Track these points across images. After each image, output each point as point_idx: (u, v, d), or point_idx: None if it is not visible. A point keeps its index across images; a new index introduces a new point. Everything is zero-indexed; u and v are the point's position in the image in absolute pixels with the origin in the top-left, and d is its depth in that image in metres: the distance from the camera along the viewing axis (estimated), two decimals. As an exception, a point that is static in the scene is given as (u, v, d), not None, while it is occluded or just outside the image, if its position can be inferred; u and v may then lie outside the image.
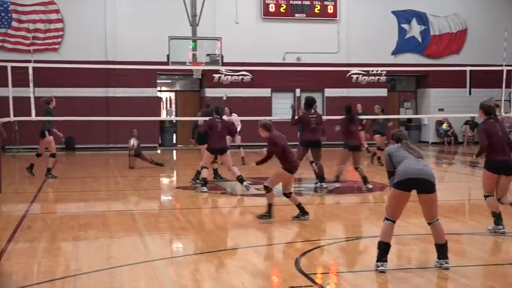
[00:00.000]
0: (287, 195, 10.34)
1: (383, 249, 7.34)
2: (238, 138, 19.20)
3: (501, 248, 8.78)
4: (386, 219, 7.39)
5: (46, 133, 16.13)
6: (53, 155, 16.41)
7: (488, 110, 9.21)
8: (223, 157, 13.95)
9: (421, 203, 7.49)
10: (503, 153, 9.00)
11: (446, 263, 7.31)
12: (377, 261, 7.32)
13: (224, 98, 18.51)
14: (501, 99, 17.73)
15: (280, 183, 10.40)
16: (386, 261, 7.30)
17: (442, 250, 7.38)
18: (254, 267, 7.61)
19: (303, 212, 10.24)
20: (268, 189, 10.20)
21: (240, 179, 13.54)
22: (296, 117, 14.37)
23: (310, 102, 14.39)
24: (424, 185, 7.31)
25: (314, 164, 14.52)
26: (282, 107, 27.07)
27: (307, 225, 9.73)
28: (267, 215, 10.13)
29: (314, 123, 14.13)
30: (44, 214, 11.32)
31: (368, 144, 23.38)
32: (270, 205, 10.15)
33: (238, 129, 18.60)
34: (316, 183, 14.45)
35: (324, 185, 14.23)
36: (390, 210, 7.42)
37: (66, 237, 9.31)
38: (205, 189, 13.63)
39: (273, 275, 7.48)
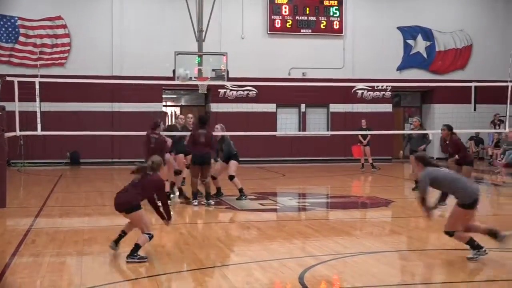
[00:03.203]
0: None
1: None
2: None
3: (504, 264, 8.75)
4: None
5: None
6: None
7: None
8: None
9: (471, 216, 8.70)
10: None
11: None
12: None
13: None
14: (506, 115, 17.71)
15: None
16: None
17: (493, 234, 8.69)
18: (258, 282, 7.61)
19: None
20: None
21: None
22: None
23: (201, 120, 14.51)
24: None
25: (201, 181, 14.27)
26: (287, 122, 27.15)
27: (312, 240, 9.73)
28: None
29: (202, 140, 13.93)
30: (49, 228, 11.34)
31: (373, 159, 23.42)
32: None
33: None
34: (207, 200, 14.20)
35: (212, 202, 14.09)
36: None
37: (70, 251, 9.33)
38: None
39: (276, 290, 7.48)
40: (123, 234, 9.19)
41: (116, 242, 9.13)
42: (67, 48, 26.58)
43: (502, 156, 25.54)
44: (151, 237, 8.79)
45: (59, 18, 26.52)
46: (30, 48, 26.26)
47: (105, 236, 10.51)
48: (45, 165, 25.21)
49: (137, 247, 8.60)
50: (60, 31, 26.57)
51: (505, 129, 20.40)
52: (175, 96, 32.72)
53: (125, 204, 8.85)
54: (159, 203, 9.25)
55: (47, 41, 26.49)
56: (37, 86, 15.30)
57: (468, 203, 8.51)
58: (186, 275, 8.10)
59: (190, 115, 16.27)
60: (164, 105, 29.39)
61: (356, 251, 9.46)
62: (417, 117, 18.60)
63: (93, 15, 26.82)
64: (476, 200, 8.47)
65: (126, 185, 9.07)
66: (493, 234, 8.90)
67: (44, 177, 21.12)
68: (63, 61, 26.50)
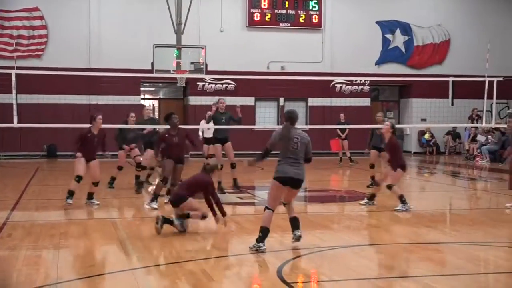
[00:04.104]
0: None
1: None
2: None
3: (480, 257, 8.83)
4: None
5: None
6: None
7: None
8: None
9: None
10: None
11: (299, 232, 9.08)
12: None
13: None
14: (483, 110, 17.87)
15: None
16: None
17: (297, 223, 9.14)
18: (236, 276, 7.61)
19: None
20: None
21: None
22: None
23: (165, 118, 13.29)
24: None
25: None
26: (266, 116, 27.16)
27: (290, 233, 9.72)
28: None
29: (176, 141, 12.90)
30: (25, 221, 11.23)
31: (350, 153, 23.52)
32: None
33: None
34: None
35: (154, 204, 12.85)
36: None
37: (47, 245, 9.25)
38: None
39: (254, 283, 7.48)
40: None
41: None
42: (44, 39, 26.33)
43: (478, 150, 25.75)
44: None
45: (36, 9, 26.25)
46: (6, 39, 25.98)
47: (81, 230, 10.45)
48: (22, 158, 24.99)
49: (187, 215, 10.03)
50: (37, 23, 26.31)
51: (482, 124, 20.55)
52: (153, 89, 32.55)
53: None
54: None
55: (23, 32, 26.21)
56: (13, 78, 15.15)
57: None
58: (164, 269, 8.07)
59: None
60: (142, 98, 29.24)
61: (334, 244, 9.49)
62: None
63: (71, 7, 26.57)
64: None
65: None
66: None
67: (20, 170, 20.94)
68: (40, 53, 26.25)
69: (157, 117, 15.79)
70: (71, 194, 12.67)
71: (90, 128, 12.88)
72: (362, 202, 13.28)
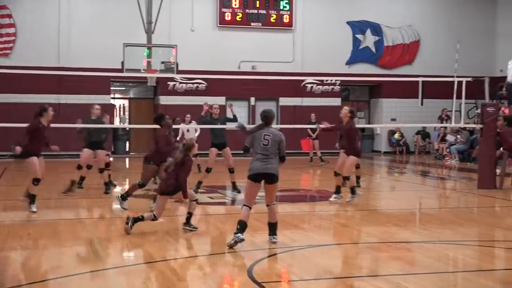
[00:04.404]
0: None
1: None
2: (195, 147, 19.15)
3: (450, 256, 8.91)
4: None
5: None
6: None
7: None
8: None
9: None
10: None
11: (275, 238, 9.17)
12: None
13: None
14: (452, 110, 18.01)
15: None
16: None
17: (273, 228, 9.23)
18: (207, 276, 7.58)
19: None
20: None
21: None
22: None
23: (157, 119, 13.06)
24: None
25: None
26: (237, 116, 27.08)
27: (260, 233, 9.72)
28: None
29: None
30: (-7, 222, 11.08)
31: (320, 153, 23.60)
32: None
33: (196, 136, 18.75)
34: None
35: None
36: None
37: (15, 246, 9.13)
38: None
39: (226, 283, 7.46)
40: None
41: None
42: (13, 38, 25.99)
43: (447, 150, 25.98)
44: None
45: (4, 7, 25.90)
46: (-27, 37, 25.64)
47: (50, 230, 10.34)
48: (-11, 157, 24.65)
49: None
50: (5, 21, 25.95)
51: (451, 124, 20.74)
52: (123, 88, 32.39)
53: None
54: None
55: (-9, 30, 25.89)
56: (-20, 77, 14.94)
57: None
58: (134, 269, 8.01)
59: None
60: (112, 98, 29.03)
61: (304, 244, 9.50)
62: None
63: (40, 5, 26.27)
64: None
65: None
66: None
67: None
68: (8, 51, 25.91)
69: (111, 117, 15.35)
70: (33, 200, 11.98)
71: (41, 120, 12.18)
72: (331, 199, 13.41)
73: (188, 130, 19.26)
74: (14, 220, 11.51)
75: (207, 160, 15.38)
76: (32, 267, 7.92)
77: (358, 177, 16.32)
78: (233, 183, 15.14)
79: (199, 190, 14.80)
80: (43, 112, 12.23)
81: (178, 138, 19.16)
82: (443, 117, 27.70)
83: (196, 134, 19.23)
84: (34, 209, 11.92)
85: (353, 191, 13.21)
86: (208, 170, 15.08)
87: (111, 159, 15.88)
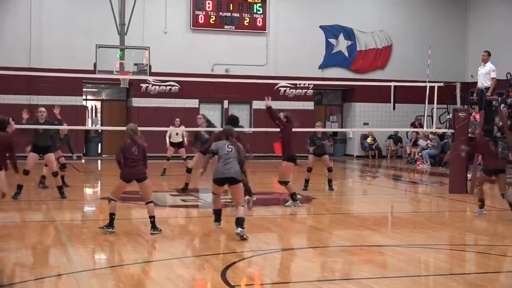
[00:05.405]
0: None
1: None
2: (182, 151, 19.81)
3: (421, 260, 8.97)
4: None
5: None
6: None
7: None
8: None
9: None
10: None
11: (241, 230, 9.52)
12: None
13: None
14: (424, 115, 18.18)
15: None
16: None
17: (241, 222, 9.60)
18: (180, 279, 7.54)
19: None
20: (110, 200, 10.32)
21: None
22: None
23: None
24: None
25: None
26: (210, 119, 26.99)
27: (233, 236, 9.71)
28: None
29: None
30: (-38, 224, 10.92)
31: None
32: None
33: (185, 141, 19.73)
34: None
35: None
36: None
37: (-17, 248, 9.01)
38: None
39: (198, 286, 7.43)
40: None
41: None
42: (-17, 38, 25.69)
43: (419, 154, 26.20)
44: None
45: (-26, 7, 25.61)
46: None
47: (21, 232, 10.22)
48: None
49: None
50: (-25, 21, 25.65)
51: (423, 128, 20.91)
52: (95, 90, 32.17)
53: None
54: None
55: (-39, 30, 25.52)
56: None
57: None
58: (106, 272, 7.94)
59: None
60: (84, 99, 28.83)
61: (277, 247, 9.50)
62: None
63: (11, 4, 26.00)
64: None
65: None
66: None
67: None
68: (-22, 51, 25.60)
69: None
70: None
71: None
72: (287, 203, 13.56)
73: (177, 134, 19.67)
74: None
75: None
76: (3, 270, 7.81)
77: (330, 180, 16.41)
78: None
79: (173, 194, 14.77)
80: (6, 125, 10.83)
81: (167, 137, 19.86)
82: (416, 125, 27.95)
83: (185, 139, 19.85)
84: None
85: (293, 198, 13.42)
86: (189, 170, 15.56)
87: (64, 159, 15.65)
